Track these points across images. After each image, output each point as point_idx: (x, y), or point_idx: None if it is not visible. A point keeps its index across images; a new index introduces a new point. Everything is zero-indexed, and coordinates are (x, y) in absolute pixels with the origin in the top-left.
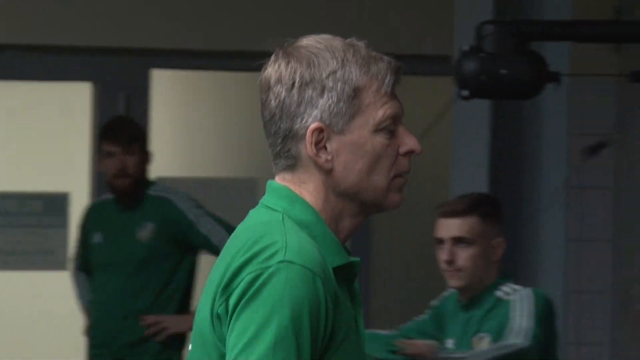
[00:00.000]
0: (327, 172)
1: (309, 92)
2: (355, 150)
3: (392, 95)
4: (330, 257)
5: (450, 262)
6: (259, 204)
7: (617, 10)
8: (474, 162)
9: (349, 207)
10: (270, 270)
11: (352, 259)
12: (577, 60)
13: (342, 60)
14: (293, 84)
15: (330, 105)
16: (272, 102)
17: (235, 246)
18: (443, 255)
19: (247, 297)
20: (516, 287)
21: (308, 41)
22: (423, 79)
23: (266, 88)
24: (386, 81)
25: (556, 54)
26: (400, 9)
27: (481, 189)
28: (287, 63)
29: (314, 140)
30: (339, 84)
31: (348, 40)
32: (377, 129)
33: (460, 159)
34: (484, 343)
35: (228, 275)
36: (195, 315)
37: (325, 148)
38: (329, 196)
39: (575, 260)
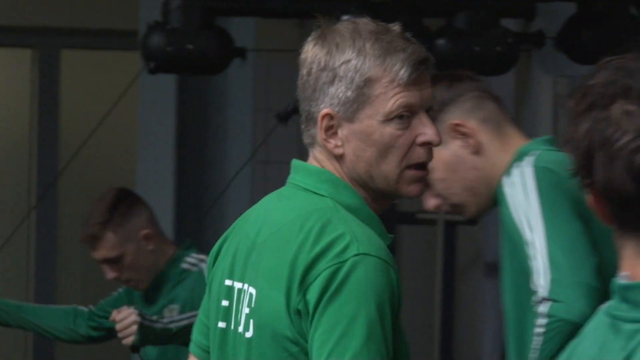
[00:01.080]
0: (339, 157)
1: (322, 79)
2: (364, 138)
3: (409, 86)
4: (381, 239)
5: (117, 278)
6: (291, 184)
7: None
8: (161, 137)
9: (366, 193)
10: (348, 264)
11: (390, 237)
12: (262, 35)
13: (359, 50)
14: (311, 69)
15: (339, 94)
16: (299, 81)
17: (293, 235)
18: (107, 274)
19: (329, 293)
20: (201, 256)
21: (342, 25)
22: (110, 53)
23: (300, 66)
24: (401, 73)
25: (242, 30)
26: None
27: (168, 164)
28: (314, 46)
29: (324, 125)
30: (350, 74)
31: (382, 26)
32: (387, 119)
33: (147, 134)
34: (174, 313)
35: (301, 269)
36: (254, 309)
37: (337, 134)
38: (349, 183)
39: None
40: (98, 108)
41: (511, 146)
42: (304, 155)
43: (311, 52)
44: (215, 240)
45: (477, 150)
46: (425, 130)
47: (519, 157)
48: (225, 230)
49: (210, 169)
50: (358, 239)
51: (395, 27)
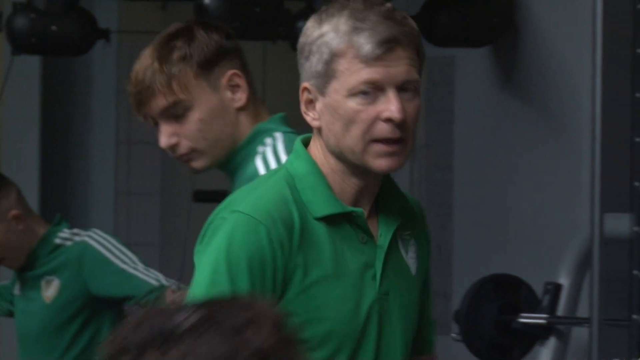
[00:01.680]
0: (318, 130)
1: (303, 55)
2: (332, 112)
3: (373, 63)
4: (315, 206)
5: None
6: None
7: None
8: (26, 118)
9: (343, 166)
10: (217, 220)
11: (349, 209)
12: (125, 18)
13: (334, 26)
14: (300, 47)
15: (312, 67)
16: None
17: None
18: None
19: (201, 244)
20: (74, 230)
21: (337, 2)
22: None
23: None
24: (365, 49)
25: (106, 12)
26: None
27: (32, 145)
28: (310, 22)
29: (304, 98)
30: (322, 48)
31: (370, 4)
32: (350, 94)
33: (11, 115)
34: (53, 286)
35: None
36: None
37: (315, 107)
38: (326, 153)
39: (125, 213)
40: None
41: (259, 117)
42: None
43: (303, 32)
44: (81, 220)
45: (241, 107)
46: (389, 107)
47: (263, 132)
48: (91, 214)
49: (75, 149)
50: (238, 199)
51: (384, 6)
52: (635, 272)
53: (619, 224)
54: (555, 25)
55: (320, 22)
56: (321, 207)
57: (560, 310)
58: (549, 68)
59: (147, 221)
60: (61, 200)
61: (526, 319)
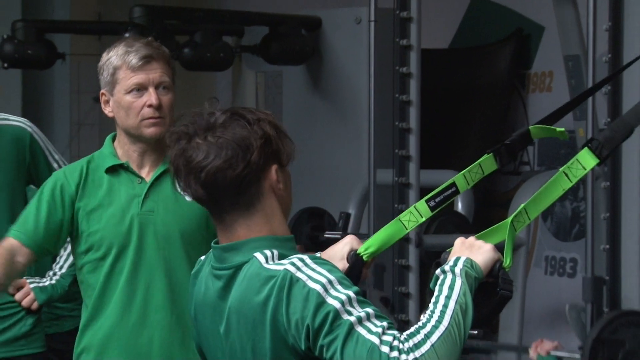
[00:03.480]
0: (113, 118)
1: (100, 73)
2: (119, 105)
3: (138, 72)
4: (103, 165)
5: None
6: None
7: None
8: (12, 108)
9: (129, 138)
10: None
11: (119, 161)
12: (75, 45)
13: (115, 51)
14: (98, 68)
15: (104, 80)
16: None
17: None
18: None
19: None
20: None
21: (116, 42)
22: None
23: None
24: (132, 63)
25: (62, 41)
26: None
27: None
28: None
29: (102, 100)
30: (108, 67)
31: (137, 38)
32: (127, 92)
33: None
34: None
35: None
36: None
37: (110, 104)
38: (121, 133)
39: None
40: None
41: None
42: None
43: (101, 57)
44: None
45: None
46: (150, 98)
47: None
48: None
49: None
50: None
51: (146, 39)
52: (396, 205)
53: (385, 175)
54: (345, 50)
55: (108, 52)
56: (105, 164)
57: (349, 229)
58: (341, 79)
59: None
60: None
61: (328, 235)
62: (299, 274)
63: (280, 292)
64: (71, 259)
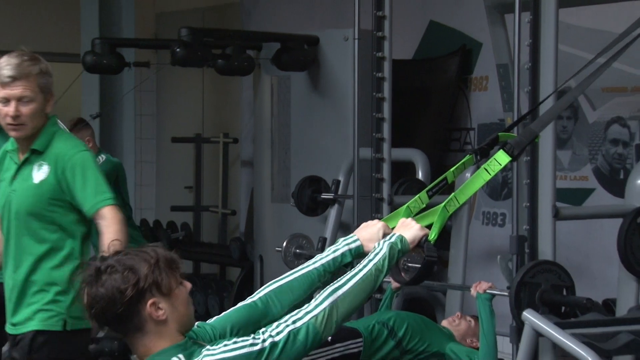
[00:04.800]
0: None
1: None
2: None
3: (5, 87)
4: (7, 146)
5: None
6: None
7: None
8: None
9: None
10: None
11: (4, 149)
12: (138, 56)
13: None
14: None
15: None
16: None
17: None
18: None
19: None
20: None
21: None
22: None
23: None
24: (1, 80)
25: (128, 53)
26: None
27: None
28: None
29: None
30: None
31: (10, 55)
32: None
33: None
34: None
35: None
36: None
37: None
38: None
39: None
40: None
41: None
42: None
43: None
44: None
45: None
46: (9, 109)
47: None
48: None
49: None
50: None
51: (18, 56)
52: (374, 174)
53: (366, 152)
54: (336, 60)
55: None
56: (7, 147)
57: (340, 192)
58: (333, 82)
59: None
60: None
61: (324, 196)
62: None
63: None
64: None
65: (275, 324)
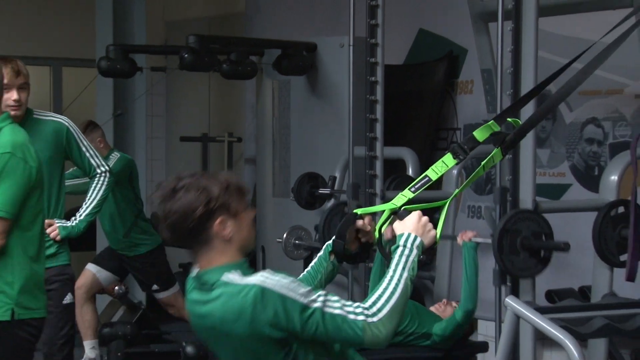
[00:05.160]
0: None
1: None
2: None
3: (12, 80)
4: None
5: None
6: None
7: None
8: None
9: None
10: None
11: None
12: (149, 60)
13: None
14: None
15: None
16: None
17: None
18: None
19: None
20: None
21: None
22: None
23: None
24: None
25: (140, 59)
26: None
27: None
28: None
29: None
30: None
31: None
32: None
33: (103, 117)
34: None
35: None
36: None
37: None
38: None
39: None
40: None
41: None
42: None
43: None
44: None
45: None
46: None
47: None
48: None
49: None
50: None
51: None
52: (367, 171)
53: (360, 150)
54: (333, 66)
55: None
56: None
57: (336, 187)
58: (330, 85)
59: None
60: None
61: (321, 191)
62: (266, 284)
63: (256, 298)
64: (88, 210)
65: (336, 297)
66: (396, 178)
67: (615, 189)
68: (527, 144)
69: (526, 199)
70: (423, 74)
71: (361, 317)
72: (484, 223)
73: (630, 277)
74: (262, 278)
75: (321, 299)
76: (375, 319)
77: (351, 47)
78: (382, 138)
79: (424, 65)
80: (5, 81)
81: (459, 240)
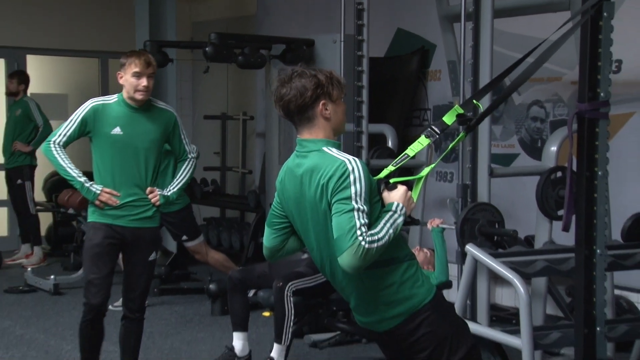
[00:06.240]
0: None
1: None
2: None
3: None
4: None
5: None
6: None
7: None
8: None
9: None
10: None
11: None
12: (178, 54)
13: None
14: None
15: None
16: None
17: None
18: None
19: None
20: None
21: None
22: None
23: None
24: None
25: (171, 52)
26: None
27: None
28: None
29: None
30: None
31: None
32: (132, 76)
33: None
34: None
35: None
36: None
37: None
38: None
39: None
40: None
41: None
42: None
43: None
44: None
45: None
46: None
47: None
48: None
49: None
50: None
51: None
52: (355, 143)
53: (349, 126)
54: (328, 58)
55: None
56: None
57: None
58: None
59: None
60: None
61: None
62: (349, 167)
63: (335, 170)
64: (179, 185)
65: (367, 217)
66: (378, 149)
67: (554, 158)
68: (484, 121)
69: (483, 197)
70: (400, 64)
71: (360, 237)
72: (449, 186)
73: (566, 228)
74: (355, 164)
75: (362, 208)
76: (367, 246)
77: (342, 43)
78: (367, 116)
79: (401, 57)
80: (138, 70)
81: (429, 225)
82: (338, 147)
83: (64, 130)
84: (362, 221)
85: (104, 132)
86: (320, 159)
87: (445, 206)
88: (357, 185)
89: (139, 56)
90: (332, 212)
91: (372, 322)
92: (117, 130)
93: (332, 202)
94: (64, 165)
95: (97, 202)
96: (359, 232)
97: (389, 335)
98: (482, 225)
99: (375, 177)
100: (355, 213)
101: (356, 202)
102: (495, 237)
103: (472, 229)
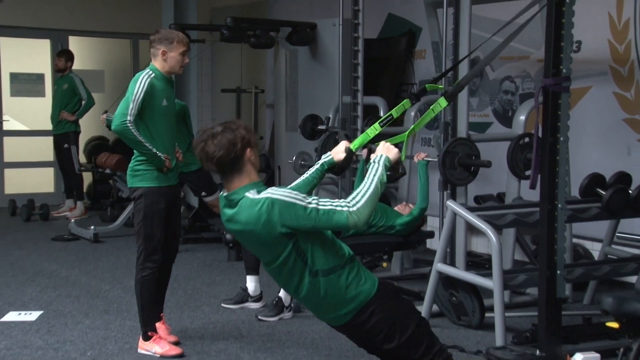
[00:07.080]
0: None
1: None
2: (170, 58)
3: (185, 45)
4: None
5: None
6: None
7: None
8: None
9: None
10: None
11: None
12: (200, 35)
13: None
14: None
15: (170, 50)
16: None
17: None
18: None
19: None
20: None
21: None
22: None
23: None
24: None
25: (192, 34)
26: None
27: None
28: None
29: (159, 53)
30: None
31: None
32: (179, 54)
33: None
34: None
35: None
36: None
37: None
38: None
39: None
40: None
41: None
42: None
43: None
44: None
45: None
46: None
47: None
48: None
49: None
50: None
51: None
52: (352, 113)
53: (347, 99)
54: (328, 39)
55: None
56: None
57: (329, 124)
58: (327, 53)
59: None
60: None
61: (320, 127)
62: (274, 196)
63: (269, 207)
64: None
65: (326, 199)
66: (372, 118)
67: (523, 125)
68: (462, 94)
69: (462, 131)
70: (391, 45)
71: (345, 208)
72: (433, 150)
73: (532, 186)
74: (270, 192)
75: (315, 201)
76: (354, 208)
77: (341, 26)
78: (362, 90)
79: (391, 39)
80: (185, 49)
81: (415, 159)
82: (259, 186)
83: (132, 109)
84: (329, 202)
85: (157, 105)
86: (247, 209)
87: (430, 145)
88: (289, 201)
89: (184, 37)
90: (311, 227)
91: (330, 319)
92: (164, 102)
93: (295, 226)
94: (142, 141)
95: (164, 169)
96: (339, 208)
97: (347, 327)
98: (461, 157)
99: (352, 144)
100: (321, 204)
101: (309, 203)
102: (472, 168)
103: (452, 160)
